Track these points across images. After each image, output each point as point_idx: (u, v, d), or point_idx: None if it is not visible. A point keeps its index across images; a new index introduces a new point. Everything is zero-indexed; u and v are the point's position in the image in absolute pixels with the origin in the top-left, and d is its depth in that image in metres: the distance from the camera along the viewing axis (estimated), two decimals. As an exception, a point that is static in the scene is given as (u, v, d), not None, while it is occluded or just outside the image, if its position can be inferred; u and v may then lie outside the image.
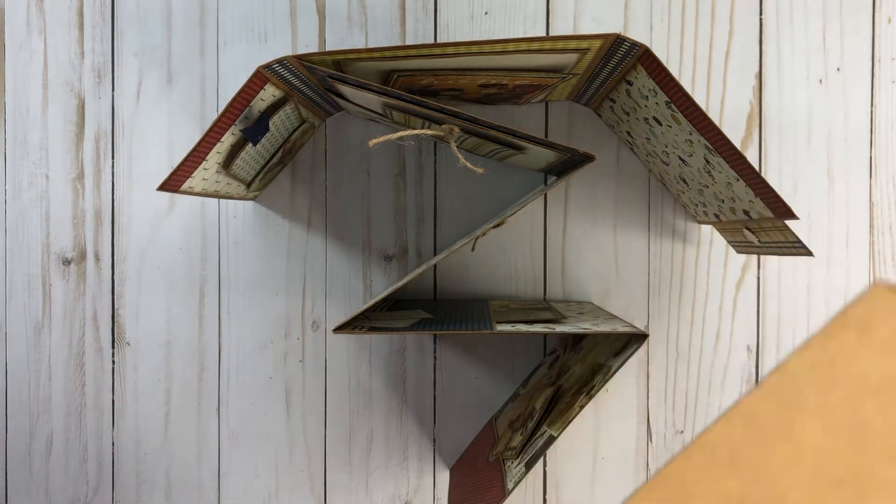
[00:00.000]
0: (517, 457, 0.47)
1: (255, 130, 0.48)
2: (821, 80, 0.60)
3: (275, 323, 0.62)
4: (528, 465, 0.43)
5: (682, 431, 0.61)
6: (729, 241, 0.57)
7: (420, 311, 0.54)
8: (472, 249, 0.61)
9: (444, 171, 0.61)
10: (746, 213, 0.48)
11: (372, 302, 0.48)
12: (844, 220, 0.60)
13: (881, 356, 0.22)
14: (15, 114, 0.63)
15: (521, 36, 0.60)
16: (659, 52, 0.59)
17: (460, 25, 0.60)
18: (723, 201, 0.50)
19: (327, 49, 0.61)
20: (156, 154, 0.62)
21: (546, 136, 0.60)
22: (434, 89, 0.52)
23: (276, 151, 0.56)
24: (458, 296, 0.62)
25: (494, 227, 0.54)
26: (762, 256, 0.60)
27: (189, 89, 0.62)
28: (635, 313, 0.61)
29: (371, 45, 0.60)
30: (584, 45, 0.42)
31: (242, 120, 0.46)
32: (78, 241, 0.63)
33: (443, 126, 0.46)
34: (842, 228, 0.60)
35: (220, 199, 0.62)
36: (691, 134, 0.45)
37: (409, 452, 0.62)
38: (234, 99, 0.43)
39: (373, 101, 0.47)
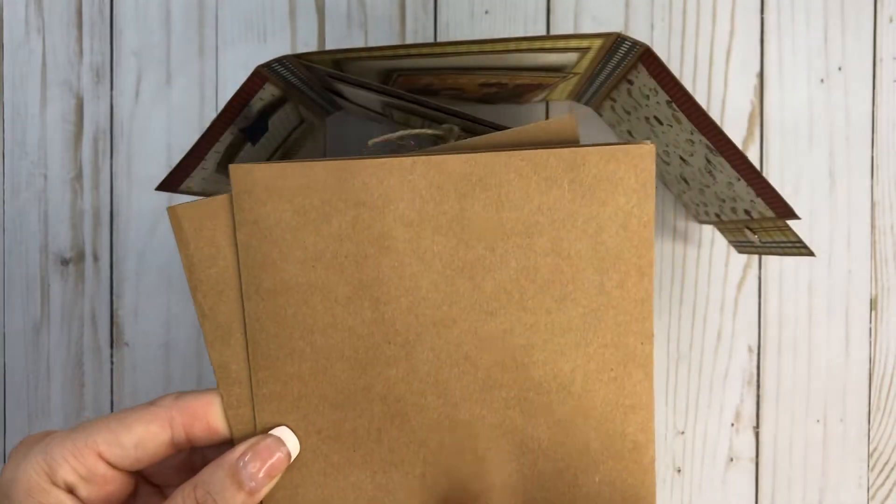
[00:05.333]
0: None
1: (254, 130, 0.48)
2: (822, 80, 0.59)
3: (274, 323, 0.62)
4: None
5: (682, 432, 0.61)
6: (730, 241, 0.57)
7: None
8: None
9: (444, 171, 0.61)
10: (748, 212, 0.48)
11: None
12: (846, 219, 0.60)
13: None
14: (13, 113, 0.62)
15: (521, 35, 0.60)
16: (660, 52, 0.59)
17: (460, 25, 0.60)
18: (724, 201, 0.50)
19: (327, 48, 0.61)
20: (155, 154, 0.62)
21: (546, 136, 0.60)
22: (434, 89, 0.52)
23: (276, 151, 0.55)
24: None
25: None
26: (763, 256, 0.60)
27: (188, 89, 0.61)
28: (636, 313, 0.61)
29: (371, 45, 0.60)
30: (585, 44, 0.42)
31: (241, 119, 0.45)
32: (76, 241, 0.63)
33: (443, 126, 0.46)
34: (843, 228, 0.60)
35: (220, 199, 0.62)
36: (692, 133, 0.45)
37: (408, 453, 0.62)
38: (233, 98, 0.43)
39: (372, 100, 0.47)
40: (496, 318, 0.33)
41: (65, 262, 0.63)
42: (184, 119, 0.62)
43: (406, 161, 0.33)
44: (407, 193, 0.33)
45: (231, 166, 0.34)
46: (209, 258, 0.34)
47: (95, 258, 0.63)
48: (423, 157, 0.33)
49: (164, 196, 0.62)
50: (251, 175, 0.33)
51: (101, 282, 0.63)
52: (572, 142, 0.35)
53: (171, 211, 0.35)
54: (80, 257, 0.63)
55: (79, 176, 0.62)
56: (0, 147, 0.63)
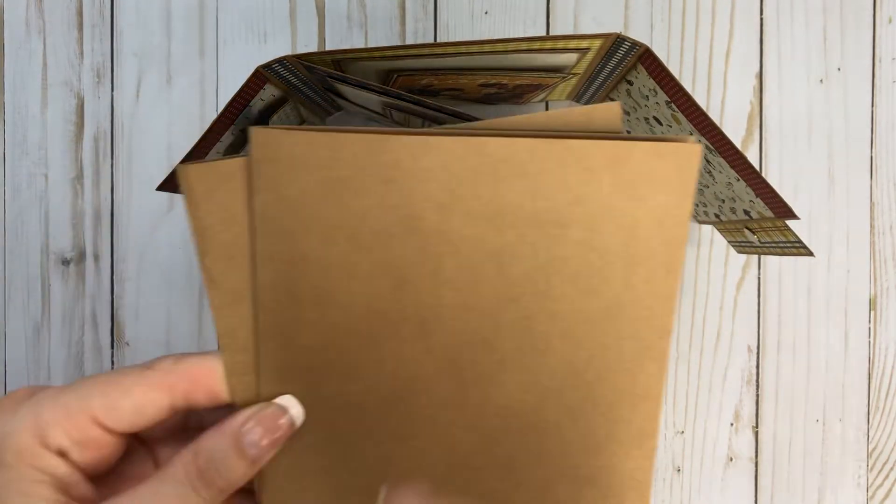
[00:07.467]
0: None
1: (255, 130, 0.48)
2: (821, 80, 0.60)
3: (274, 323, 0.62)
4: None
5: (682, 431, 0.61)
6: (729, 241, 0.57)
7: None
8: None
9: (443, 171, 0.61)
10: (747, 212, 0.48)
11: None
12: (845, 219, 0.60)
13: None
14: (14, 113, 0.62)
15: (521, 35, 0.60)
16: (659, 52, 0.59)
17: (460, 25, 0.60)
18: (723, 201, 0.50)
19: (327, 49, 0.61)
20: (155, 154, 0.62)
21: (546, 136, 0.60)
22: (434, 89, 0.52)
23: (276, 151, 0.55)
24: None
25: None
26: (763, 256, 0.60)
27: (189, 89, 0.62)
28: (635, 313, 0.61)
29: (371, 45, 0.60)
30: (585, 44, 0.42)
31: (242, 120, 0.46)
32: (77, 241, 0.63)
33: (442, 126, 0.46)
34: (842, 228, 0.60)
35: (220, 199, 0.62)
36: (692, 134, 0.45)
37: (408, 453, 0.62)
38: (234, 99, 0.43)
39: (372, 100, 0.47)
40: (518, 304, 0.32)
41: (65, 263, 0.63)
42: (184, 119, 0.62)
43: (446, 141, 0.31)
44: (441, 174, 0.31)
45: (253, 129, 0.31)
46: (221, 223, 0.32)
47: (96, 258, 0.63)
48: (463, 139, 0.31)
49: (165, 196, 0.62)
50: (275, 141, 0.31)
51: (101, 282, 0.63)
52: (615, 131, 0.33)
53: (182, 171, 0.32)
54: (81, 257, 0.63)
55: (79, 176, 0.63)
56: (1, 147, 0.63)
